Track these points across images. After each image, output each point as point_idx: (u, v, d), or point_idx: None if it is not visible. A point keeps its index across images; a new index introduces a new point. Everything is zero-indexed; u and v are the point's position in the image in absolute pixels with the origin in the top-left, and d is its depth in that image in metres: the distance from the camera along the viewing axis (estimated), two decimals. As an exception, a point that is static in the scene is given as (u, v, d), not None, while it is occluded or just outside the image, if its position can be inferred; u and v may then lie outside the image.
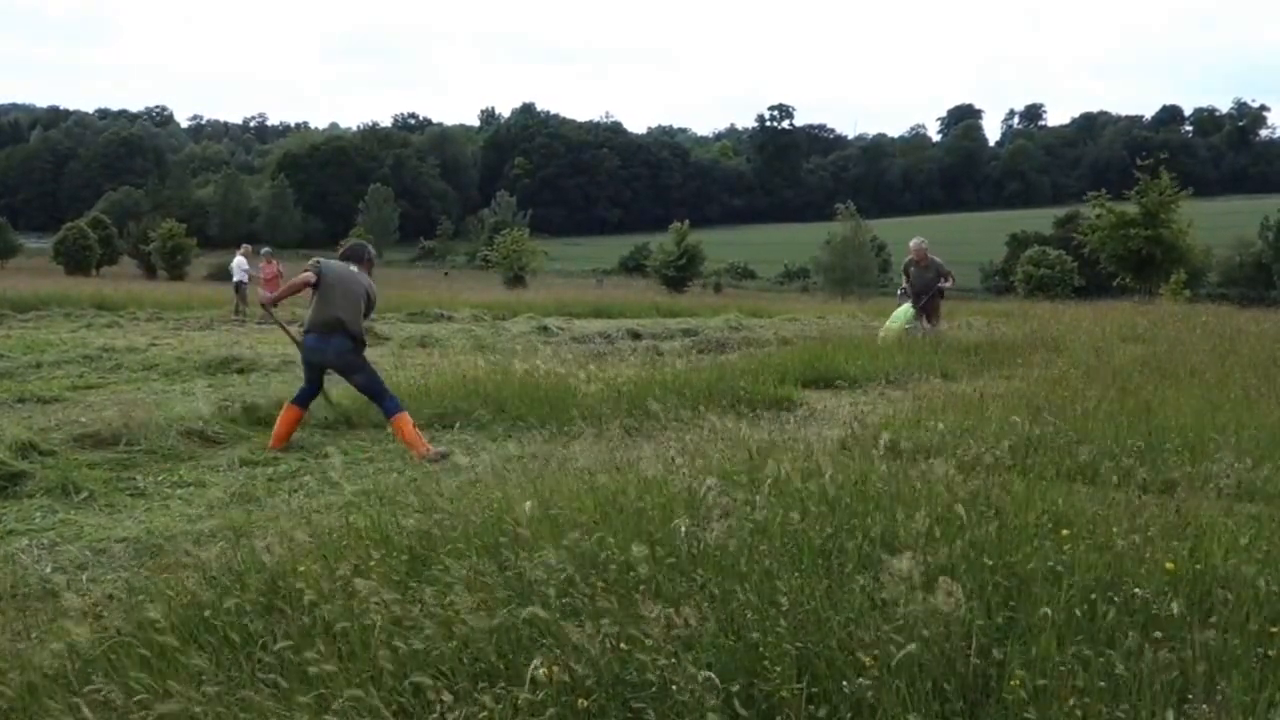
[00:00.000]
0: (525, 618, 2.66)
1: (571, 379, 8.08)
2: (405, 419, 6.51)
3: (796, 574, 2.96)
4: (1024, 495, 3.84)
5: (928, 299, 12.12)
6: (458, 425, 7.27)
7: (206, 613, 2.99)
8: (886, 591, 2.65)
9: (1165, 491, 4.32)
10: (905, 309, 12.31)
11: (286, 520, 4.41)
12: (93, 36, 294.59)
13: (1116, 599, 2.83)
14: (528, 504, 3.54)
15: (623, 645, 2.52)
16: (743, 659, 2.54)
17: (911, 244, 12.47)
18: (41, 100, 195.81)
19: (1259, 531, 3.51)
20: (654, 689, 2.39)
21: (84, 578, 3.96)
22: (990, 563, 3.03)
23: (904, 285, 12.65)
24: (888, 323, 12.55)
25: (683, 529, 3.25)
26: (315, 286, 6.59)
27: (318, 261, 6.84)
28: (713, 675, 2.36)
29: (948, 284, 12.22)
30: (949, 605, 2.49)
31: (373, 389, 6.70)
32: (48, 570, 4.05)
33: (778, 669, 2.43)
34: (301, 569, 3.17)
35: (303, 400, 6.84)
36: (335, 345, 6.59)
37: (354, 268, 6.80)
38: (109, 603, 3.44)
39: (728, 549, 3.09)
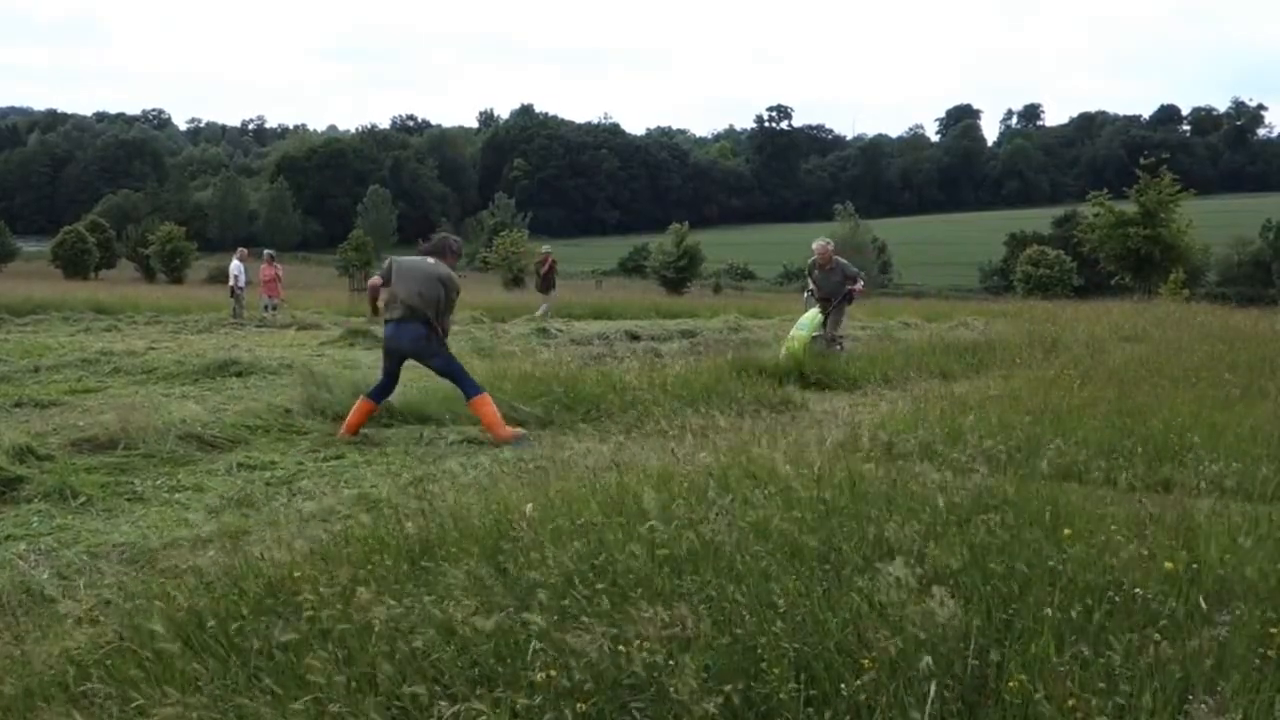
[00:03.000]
0: (523, 622, 2.66)
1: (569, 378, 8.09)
2: (485, 401, 6.81)
3: (794, 575, 2.96)
4: (1021, 496, 3.83)
5: (836, 304, 11.31)
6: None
7: (203, 618, 2.99)
8: (884, 594, 2.65)
9: (1162, 491, 4.32)
10: (813, 315, 11.16)
11: (285, 525, 4.40)
12: (90, 39, 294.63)
13: (1116, 599, 2.83)
14: (528, 506, 3.54)
15: (621, 648, 2.51)
16: (740, 661, 2.53)
17: (815, 245, 11.64)
18: (39, 103, 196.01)
19: (1257, 530, 3.51)
20: (652, 691, 2.39)
21: (81, 583, 3.95)
22: (989, 563, 3.03)
23: (810, 288, 11.68)
24: (793, 330, 11.17)
25: (680, 531, 3.24)
26: (387, 284, 6.97)
27: (388, 261, 7.21)
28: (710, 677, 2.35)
29: (858, 287, 11.41)
30: (945, 613, 2.49)
31: (451, 372, 7.00)
32: (45, 575, 4.04)
33: (775, 671, 2.43)
34: (299, 574, 3.17)
35: (377, 395, 7.09)
36: (410, 332, 6.89)
37: (431, 260, 7.07)
38: (106, 608, 3.44)
39: (724, 550, 3.09)
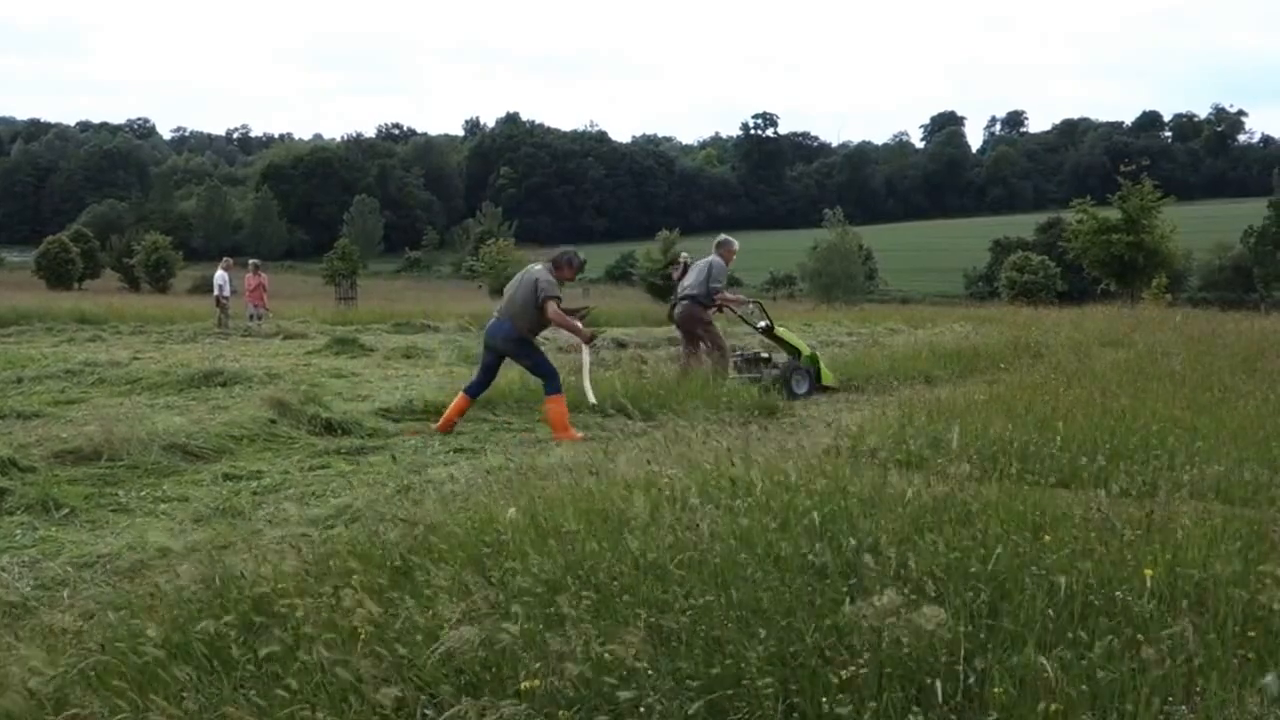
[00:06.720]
0: (509, 629, 2.66)
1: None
2: (558, 401, 7.19)
3: (779, 582, 2.96)
4: (1004, 501, 3.85)
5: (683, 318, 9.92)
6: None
7: (187, 629, 2.97)
8: (866, 602, 2.65)
9: (1144, 494, 4.35)
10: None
11: (270, 535, 4.39)
12: (74, 48, 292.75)
13: (1097, 602, 2.85)
14: (511, 510, 3.54)
15: (606, 655, 2.52)
16: (724, 669, 2.54)
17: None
18: (22, 113, 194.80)
19: (1235, 533, 3.54)
20: (635, 697, 2.39)
21: (65, 595, 3.92)
22: (972, 569, 3.05)
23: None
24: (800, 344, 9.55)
25: (666, 538, 3.25)
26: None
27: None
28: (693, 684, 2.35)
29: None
30: (928, 621, 2.50)
31: (540, 370, 7.43)
32: (28, 588, 4.02)
33: (760, 683, 2.43)
34: (284, 583, 3.16)
35: (473, 390, 7.50)
36: (504, 330, 7.36)
37: (537, 266, 7.59)
38: (90, 620, 3.42)
39: (709, 559, 3.10)
